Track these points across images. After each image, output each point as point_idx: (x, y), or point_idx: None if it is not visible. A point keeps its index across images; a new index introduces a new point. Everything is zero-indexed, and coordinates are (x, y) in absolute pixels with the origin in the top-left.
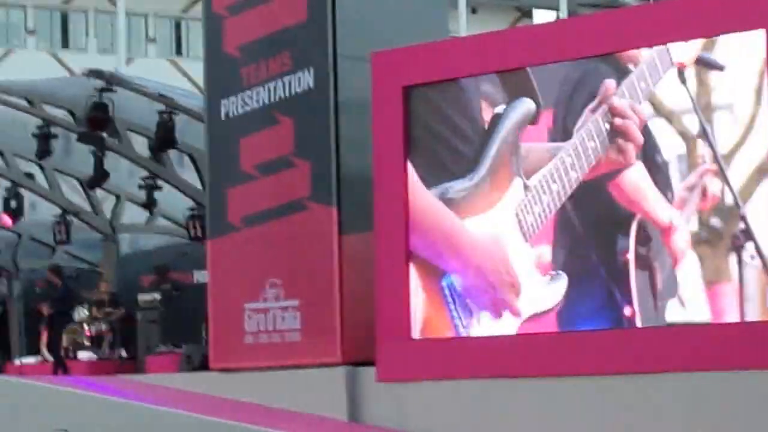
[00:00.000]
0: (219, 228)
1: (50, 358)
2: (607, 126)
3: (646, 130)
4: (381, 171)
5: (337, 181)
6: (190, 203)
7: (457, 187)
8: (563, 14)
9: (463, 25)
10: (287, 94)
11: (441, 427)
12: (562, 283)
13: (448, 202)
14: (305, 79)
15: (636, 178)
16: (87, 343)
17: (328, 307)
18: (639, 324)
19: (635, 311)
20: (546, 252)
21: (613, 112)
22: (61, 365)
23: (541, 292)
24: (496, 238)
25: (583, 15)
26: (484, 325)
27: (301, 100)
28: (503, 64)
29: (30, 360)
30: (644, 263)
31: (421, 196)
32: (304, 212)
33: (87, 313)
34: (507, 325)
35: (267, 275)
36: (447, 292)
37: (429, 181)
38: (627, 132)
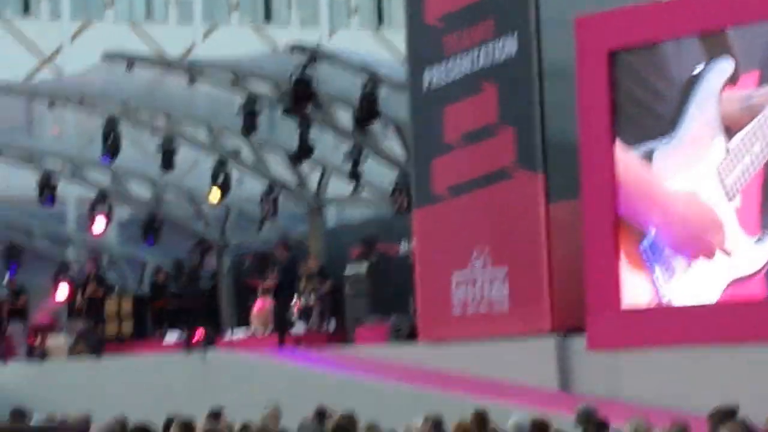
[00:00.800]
0: (425, 198)
1: (260, 332)
2: None
3: None
4: (587, 136)
5: (542, 147)
6: (395, 174)
7: (658, 147)
8: None
9: None
10: (490, 61)
11: (654, 396)
12: None
13: (649, 162)
14: (509, 46)
15: None
16: (296, 315)
17: (537, 275)
18: None
19: None
20: (752, 211)
21: None
22: (282, 337)
23: (747, 253)
24: (698, 198)
25: None
26: (685, 287)
27: (505, 66)
28: (703, 26)
29: (240, 333)
30: None
31: (625, 158)
32: (509, 180)
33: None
34: (711, 289)
35: (474, 244)
36: (647, 255)
37: (631, 143)
38: None
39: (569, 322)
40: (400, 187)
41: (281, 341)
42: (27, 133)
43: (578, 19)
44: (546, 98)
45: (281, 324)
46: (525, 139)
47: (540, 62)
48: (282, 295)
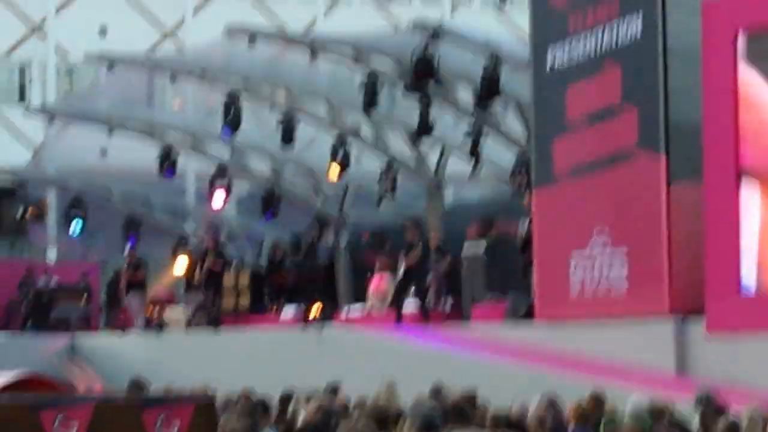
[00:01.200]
0: (545, 177)
1: (377, 308)
2: None
3: None
4: (711, 118)
5: (665, 128)
6: (515, 153)
7: None
8: None
9: None
10: (615, 41)
11: None
12: None
13: None
14: (634, 26)
15: None
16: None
17: (656, 256)
18: None
19: None
20: None
21: None
22: (400, 314)
23: None
24: None
25: None
26: None
27: (630, 46)
28: None
29: (357, 309)
30: None
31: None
32: (631, 160)
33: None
34: None
35: (594, 224)
36: None
37: None
38: None
39: (688, 305)
40: (520, 167)
41: (399, 318)
42: (148, 106)
43: (705, 3)
44: (670, 79)
45: (400, 301)
46: (648, 119)
47: (665, 43)
48: (409, 275)
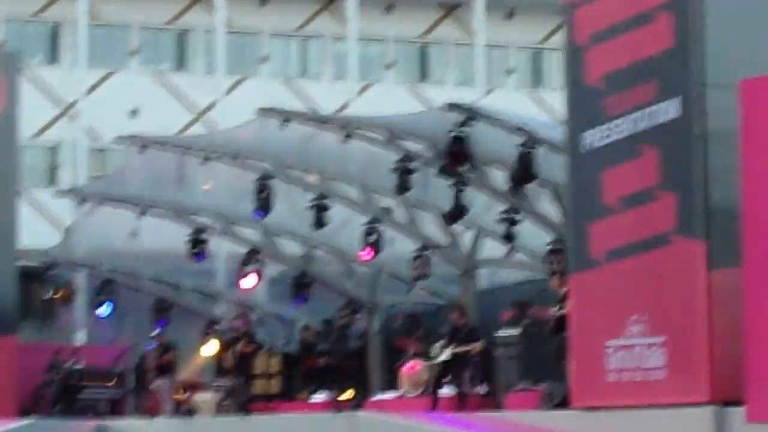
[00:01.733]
0: (581, 262)
1: (411, 393)
2: None
3: None
4: (752, 203)
5: (705, 214)
6: (550, 237)
7: None
8: None
9: None
10: (652, 124)
11: None
12: None
13: None
14: (671, 109)
15: None
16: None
17: (696, 344)
18: None
19: None
20: None
21: None
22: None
23: None
24: None
25: None
26: None
27: (667, 130)
28: None
29: (389, 394)
30: None
31: None
32: (669, 246)
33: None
34: None
35: (631, 311)
36: None
37: None
38: None
39: (728, 394)
40: (556, 251)
41: (434, 404)
42: (178, 187)
43: (742, 82)
44: (709, 163)
45: (438, 386)
46: (686, 204)
47: (704, 126)
48: (458, 361)
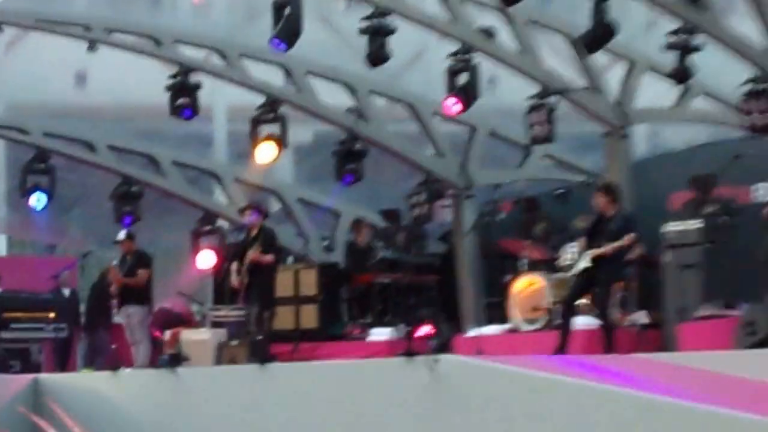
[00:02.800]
0: None
1: (527, 326)
2: None
3: None
4: None
5: None
6: (748, 73)
7: None
8: None
9: None
10: None
11: None
12: None
13: None
14: None
15: None
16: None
17: None
18: None
19: None
20: None
21: None
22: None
23: None
24: None
25: None
26: None
27: None
28: None
29: (491, 328)
30: None
31: None
32: None
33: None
34: None
35: None
36: None
37: None
38: None
39: None
40: (757, 92)
41: (563, 344)
42: (152, 5)
43: None
44: None
45: (571, 314)
46: None
47: None
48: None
